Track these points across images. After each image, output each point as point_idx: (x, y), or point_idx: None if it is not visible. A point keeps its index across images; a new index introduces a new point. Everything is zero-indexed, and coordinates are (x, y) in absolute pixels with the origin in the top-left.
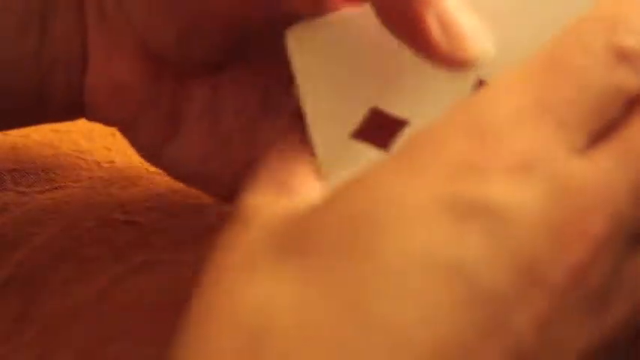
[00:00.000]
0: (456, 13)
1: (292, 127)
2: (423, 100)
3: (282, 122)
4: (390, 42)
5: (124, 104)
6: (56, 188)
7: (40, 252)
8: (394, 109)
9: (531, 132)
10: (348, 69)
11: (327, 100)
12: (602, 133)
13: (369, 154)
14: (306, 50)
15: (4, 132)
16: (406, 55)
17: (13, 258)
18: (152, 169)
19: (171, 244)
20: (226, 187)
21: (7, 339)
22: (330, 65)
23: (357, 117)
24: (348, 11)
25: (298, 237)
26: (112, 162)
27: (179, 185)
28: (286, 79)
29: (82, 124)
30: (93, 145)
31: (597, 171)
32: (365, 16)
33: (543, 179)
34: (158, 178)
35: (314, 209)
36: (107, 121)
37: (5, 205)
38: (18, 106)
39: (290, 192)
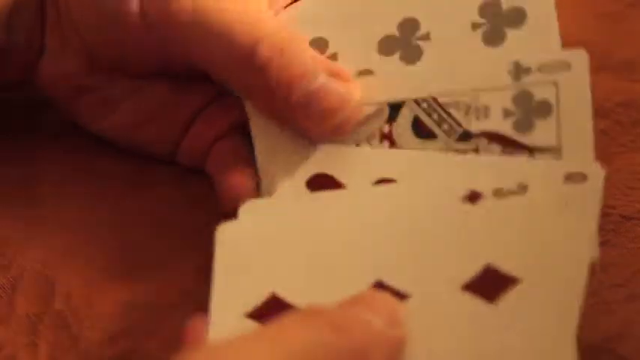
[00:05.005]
0: (322, 88)
1: None
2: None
3: None
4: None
5: (67, 87)
6: None
7: None
8: (292, 298)
9: None
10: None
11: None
12: None
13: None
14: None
15: None
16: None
17: None
18: None
19: None
20: (166, 149)
21: None
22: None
23: (257, 298)
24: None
25: None
26: None
27: None
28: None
29: None
30: None
31: None
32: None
33: None
34: None
35: None
36: (50, 98)
37: None
38: None
39: None
